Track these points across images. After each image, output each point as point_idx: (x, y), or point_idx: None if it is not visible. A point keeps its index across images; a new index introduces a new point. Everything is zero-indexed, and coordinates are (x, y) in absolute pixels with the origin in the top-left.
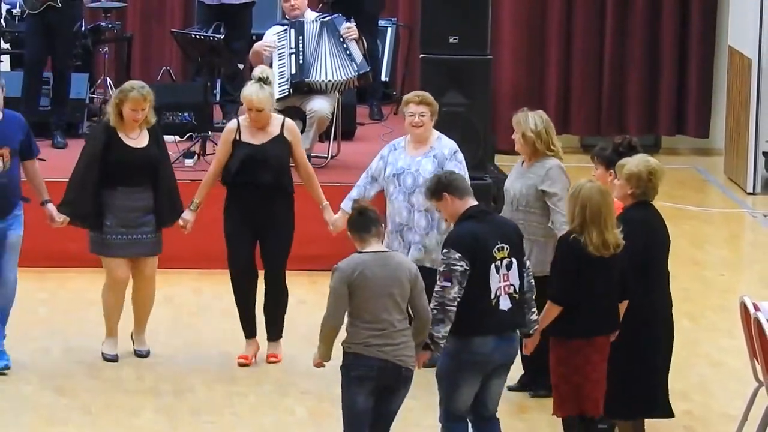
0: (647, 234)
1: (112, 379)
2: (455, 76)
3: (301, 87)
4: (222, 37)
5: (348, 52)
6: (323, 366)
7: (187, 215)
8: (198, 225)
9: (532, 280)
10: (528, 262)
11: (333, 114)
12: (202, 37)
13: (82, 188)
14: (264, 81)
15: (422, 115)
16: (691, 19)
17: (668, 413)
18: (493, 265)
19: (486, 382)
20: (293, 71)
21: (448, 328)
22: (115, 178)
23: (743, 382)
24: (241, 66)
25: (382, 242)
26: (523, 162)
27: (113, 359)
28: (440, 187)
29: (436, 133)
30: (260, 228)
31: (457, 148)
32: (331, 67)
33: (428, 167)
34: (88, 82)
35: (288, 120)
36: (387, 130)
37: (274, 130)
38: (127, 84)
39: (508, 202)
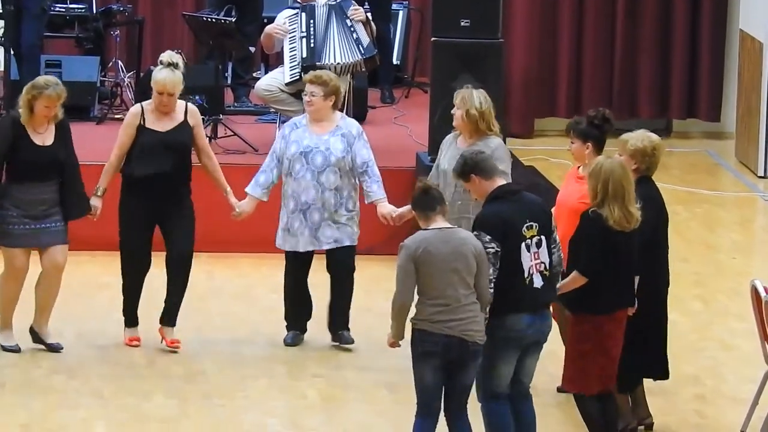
0: (654, 209)
1: (123, 363)
2: (467, 60)
3: (313, 70)
4: (233, 20)
5: (355, 35)
6: (398, 345)
7: (95, 201)
8: (211, 208)
9: (561, 254)
10: (557, 238)
11: (344, 97)
12: (214, 20)
13: None
14: (174, 66)
15: (313, 95)
16: (703, 3)
17: (665, 374)
18: (523, 244)
19: (521, 358)
20: (304, 55)
21: (487, 310)
22: (22, 174)
23: (754, 366)
24: (252, 49)
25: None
26: (456, 141)
27: (16, 349)
28: (467, 168)
29: (339, 114)
30: (162, 216)
31: (362, 129)
32: (340, 50)
33: (338, 146)
34: (99, 65)
35: (190, 105)
36: (398, 114)
37: (178, 116)
38: (41, 80)
39: (450, 183)
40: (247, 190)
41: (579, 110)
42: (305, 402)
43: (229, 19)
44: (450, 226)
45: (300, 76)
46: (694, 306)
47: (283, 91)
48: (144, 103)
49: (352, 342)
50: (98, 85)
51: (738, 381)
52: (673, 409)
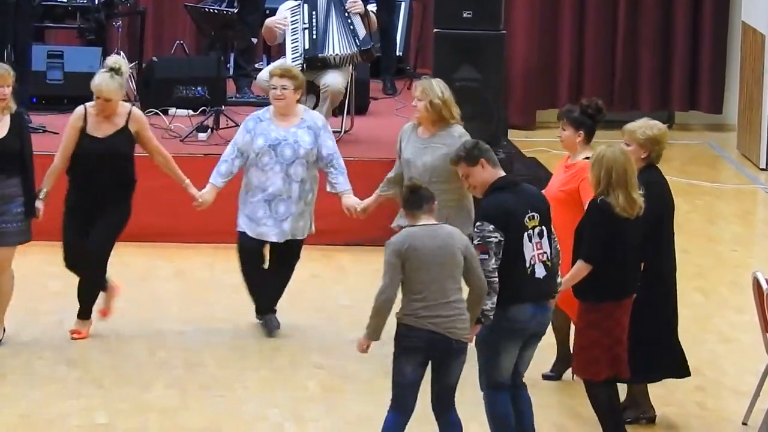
0: (660, 197)
1: (123, 354)
2: (468, 51)
3: (315, 62)
4: (235, 11)
5: (352, 27)
6: (365, 351)
7: (38, 204)
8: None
9: (558, 246)
10: (553, 229)
11: (346, 89)
12: (216, 11)
13: None
14: (116, 71)
15: (284, 88)
16: None
17: (686, 373)
18: (525, 234)
19: (520, 350)
20: (306, 46)
21: (495, 299)
22: None
23: (755, 358)
24: (254, 40)
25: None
26: (417, 131)
27: None
28: (478, 153)
29: (301, 106)
30: (94, 217)
31: (326, 120)
32: (339, 41)
33: (306, 138)
34: (101, 56)
35: (134, 109)
36: (400, 105)
37: (119, 121)
38: None
39: (416, 175)
40: (210, 179)
41: (580, 102)
42: (306, 393)
43: (231, 10)
44: (436, 222)
45: (302, 67)
46: (695, 298)
47: None
48: (88, 105)
49: (279, 327)
50: None
51: (739, 373)
52: (674, 400)
